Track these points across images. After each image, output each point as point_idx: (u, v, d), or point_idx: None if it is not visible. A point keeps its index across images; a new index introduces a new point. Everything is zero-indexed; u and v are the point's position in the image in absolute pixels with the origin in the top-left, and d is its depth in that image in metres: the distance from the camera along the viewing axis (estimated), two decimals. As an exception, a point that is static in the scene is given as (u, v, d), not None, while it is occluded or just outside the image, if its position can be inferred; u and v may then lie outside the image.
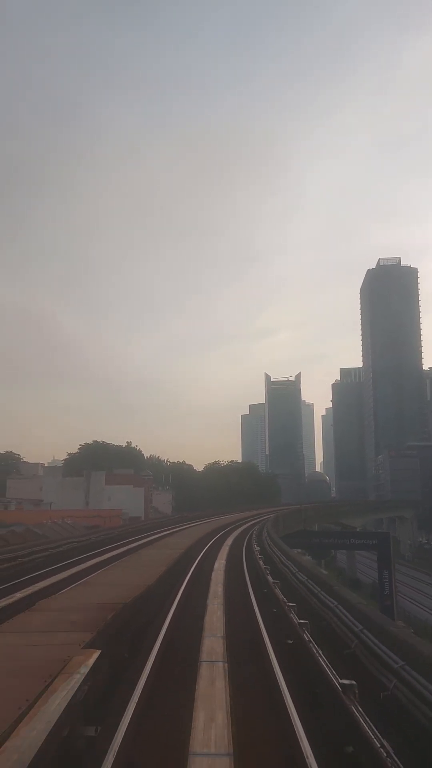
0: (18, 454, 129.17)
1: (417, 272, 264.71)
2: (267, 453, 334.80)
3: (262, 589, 13.82)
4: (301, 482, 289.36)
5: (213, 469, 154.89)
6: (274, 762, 5.06)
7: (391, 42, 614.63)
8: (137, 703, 5.78)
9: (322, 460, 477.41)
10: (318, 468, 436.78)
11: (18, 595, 11.61)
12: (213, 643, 8.39)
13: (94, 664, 5.96)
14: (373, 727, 5.04)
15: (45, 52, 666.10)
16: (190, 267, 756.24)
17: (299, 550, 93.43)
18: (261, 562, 17.03)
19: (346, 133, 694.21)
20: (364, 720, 5.18)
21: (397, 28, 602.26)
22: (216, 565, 17.87)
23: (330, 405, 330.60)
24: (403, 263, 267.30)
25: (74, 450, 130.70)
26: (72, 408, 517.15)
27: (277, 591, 11.77)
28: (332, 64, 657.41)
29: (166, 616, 10.09)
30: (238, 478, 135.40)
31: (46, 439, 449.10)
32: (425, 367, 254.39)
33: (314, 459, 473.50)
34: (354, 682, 5.83)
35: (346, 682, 5.88)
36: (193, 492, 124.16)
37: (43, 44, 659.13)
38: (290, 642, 8.74)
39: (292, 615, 9.32)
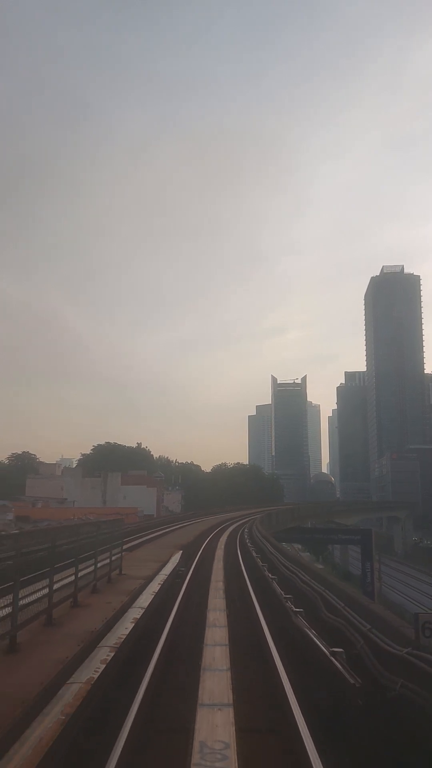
0: (34, 455, 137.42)
1: (419, 279, 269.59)
2: (273, 454, 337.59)
3: (243, 545, 26.62)
4: (306, 483, 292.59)
5: (220, 470, 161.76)
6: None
7: (399, 42, 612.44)
8: (195, 564, 18.95)
9: (328, 461, 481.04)
10: (324, 468, 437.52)
11: (133, 542, 24.93)
12: (219, 557, 21.44)
13: (181, 553, 18.93)
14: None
15: (53, 52, 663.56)
16: (198, 267, 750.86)
17: (299, 546, 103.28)
18: (246, 536, 29.92)
19: (354, 133, 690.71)
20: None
21: (405, 28, 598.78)
22: (221, 538, 30.89)
23: (336, 406, 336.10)
24: (407, 269, 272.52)
25: (86, 450, 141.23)
26: (79, 407, 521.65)
27: (249, 543, 24.59)
28: (339, 65, 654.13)
29: (200, 549, 23.79)
30: (244, 479, 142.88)
31: (55, 438, 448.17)
32: (427, 371, 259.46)
33: (320, 459, 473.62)
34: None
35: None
36: (201, 492, 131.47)
37: (51, 44, 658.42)
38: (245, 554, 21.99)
39: (248, 541, 22.23)
